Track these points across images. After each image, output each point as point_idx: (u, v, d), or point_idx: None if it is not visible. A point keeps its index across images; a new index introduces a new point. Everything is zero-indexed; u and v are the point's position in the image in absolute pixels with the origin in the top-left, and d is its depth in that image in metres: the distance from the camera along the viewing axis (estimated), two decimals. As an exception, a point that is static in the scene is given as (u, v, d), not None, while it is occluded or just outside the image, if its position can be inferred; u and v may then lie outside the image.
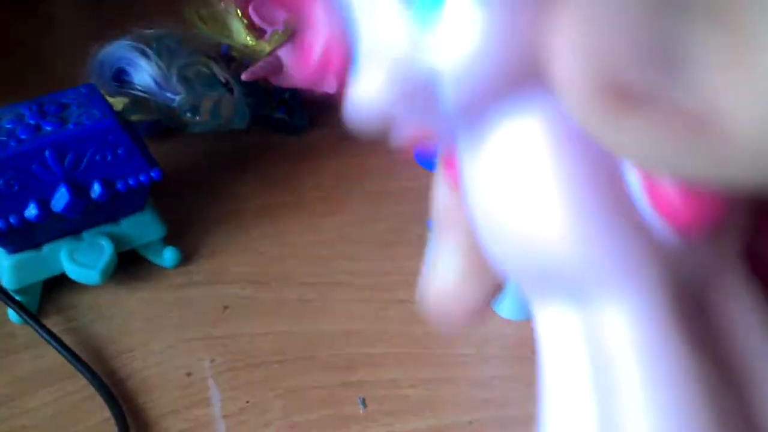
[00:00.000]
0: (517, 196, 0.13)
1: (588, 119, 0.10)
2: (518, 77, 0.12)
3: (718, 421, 0.13)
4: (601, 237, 0.12)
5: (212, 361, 0.42)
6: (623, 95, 0.09)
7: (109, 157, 0.41)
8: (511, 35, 0.12)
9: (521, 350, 0.41)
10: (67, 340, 0.42)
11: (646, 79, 0.09)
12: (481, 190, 0.14)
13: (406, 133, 0.14)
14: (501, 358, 0.41)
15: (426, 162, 0.51)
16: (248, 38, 0.50)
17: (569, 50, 0.10)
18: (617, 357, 0.13)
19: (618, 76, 0.09)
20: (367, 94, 0.13)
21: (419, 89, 0.13)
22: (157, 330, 0.43)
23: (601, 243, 0.12)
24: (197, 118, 0.46)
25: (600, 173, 0.12)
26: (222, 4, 0.49)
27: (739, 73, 0.08)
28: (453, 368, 0.41)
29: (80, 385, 0.40)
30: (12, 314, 0.43)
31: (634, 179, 0.12)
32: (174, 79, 0.44)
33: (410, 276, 0.46)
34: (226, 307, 0.45)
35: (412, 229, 0.48)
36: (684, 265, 0.13)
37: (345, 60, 0.15)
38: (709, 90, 0.08)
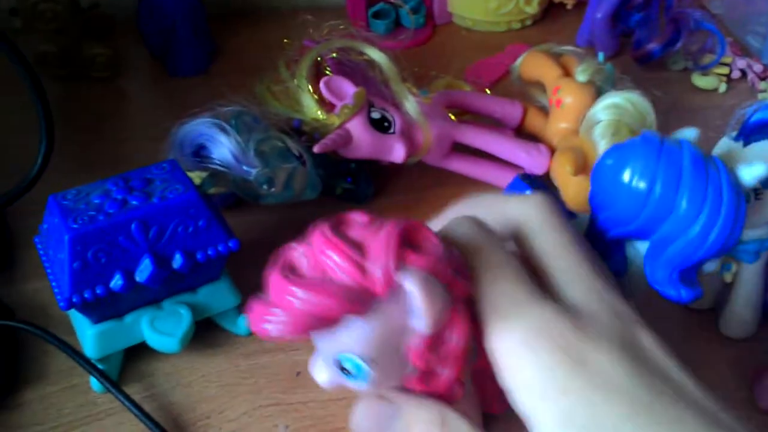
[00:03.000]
0: None
1: None
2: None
3: None
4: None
5: (287, 427, 0.43)
6: None
7: (190, 229, 0.43)
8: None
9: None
10: (147, 408, 0.43)
11: None
12: None
13: None
14: None
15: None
16: (319, 112, 0.52)
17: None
18: None
19: None
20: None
21: None
22: (232, 397, 0.44)
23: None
24: (272, 189, 0.48)
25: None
26: (294, 80, 0.51)
27: None
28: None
29: (161, 452, 0.41)
30: (94, 382, 0.44)
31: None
32: (251, 153, 0.46)
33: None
34: (298, 373, 0.45)
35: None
36: None
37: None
38: None
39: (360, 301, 0.27)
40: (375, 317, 0.28)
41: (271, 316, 0.27)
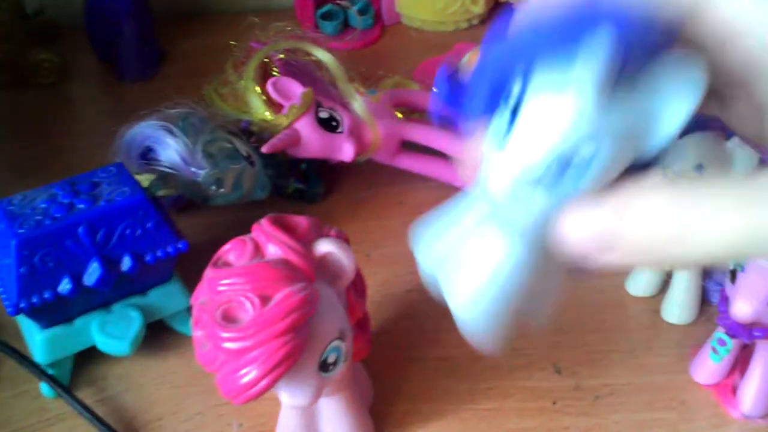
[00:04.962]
0: None
1: None
2: None
3: None
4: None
5: (240, 425, 0.43)
6: None
7: (138, 232, 0.43)
8: None
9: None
10: (99, 411, 0.43)
11: None
12: None
13: None
14: None
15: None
16: (267, 113, 0.52)
17: None
18: None
19: None
20: None
21: None
22: (185, 397, 0.45)
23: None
24: (221, 190, 0.48)
25: None
26: (241, 82, 0.52)
27: None
28: None
29: (114, 455, 0.41)
30: (45, 388, 0.44)
31: None
32: (199, 155, 0.46)
33: (434, 332, 0.47)
34: (252, 373, 0.46)
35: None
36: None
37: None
38: None
39: (304, 274, 0.33)
40: (323, 296, 0.33)
41: (249, 366, 0.31)
